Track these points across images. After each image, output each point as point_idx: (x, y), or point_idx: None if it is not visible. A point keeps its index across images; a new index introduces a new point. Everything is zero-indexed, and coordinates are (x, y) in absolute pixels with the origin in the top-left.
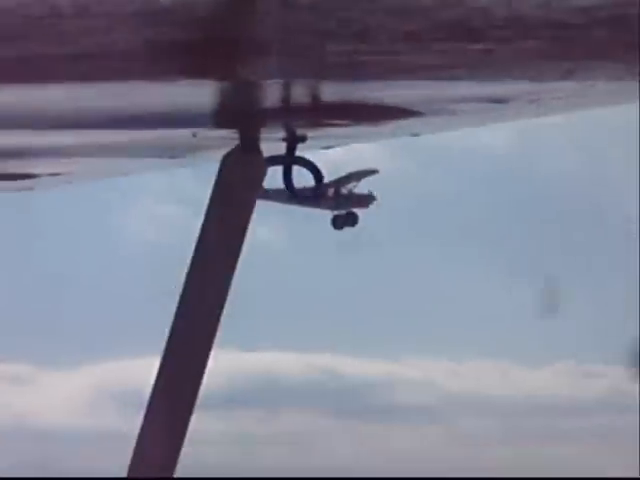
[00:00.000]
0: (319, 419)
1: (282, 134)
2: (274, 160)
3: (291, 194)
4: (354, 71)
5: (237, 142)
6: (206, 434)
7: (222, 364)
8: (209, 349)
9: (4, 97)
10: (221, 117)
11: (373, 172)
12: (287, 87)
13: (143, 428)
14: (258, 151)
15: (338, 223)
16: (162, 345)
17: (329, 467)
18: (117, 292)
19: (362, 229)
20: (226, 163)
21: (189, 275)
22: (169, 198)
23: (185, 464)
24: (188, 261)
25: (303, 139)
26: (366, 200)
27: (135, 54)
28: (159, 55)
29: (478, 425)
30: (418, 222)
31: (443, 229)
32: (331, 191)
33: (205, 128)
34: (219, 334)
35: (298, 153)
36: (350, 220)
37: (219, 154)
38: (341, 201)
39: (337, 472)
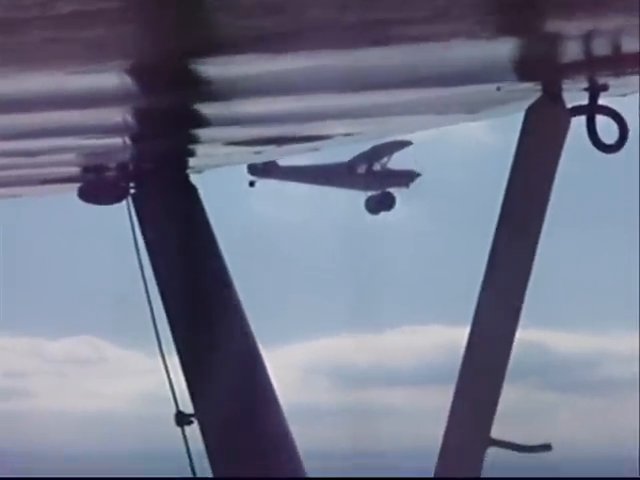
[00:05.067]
0: (542, 394)
1: (584, 84)
2: (577, 110)
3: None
4: None
5: (539, 94)
6: None
7: (437, 340)
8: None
9: (313, 61)
10: (525, 71)
11: (406, 144)
12: (589, 38)
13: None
14: (562, 102)
15: (372, 205)
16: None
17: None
18: None
19: None
20: (530, 115)
21: (498, 228)
22: None
23: None
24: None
25: (605, 88)
26: (405, 177)
27: (443, 16)
28: (464, 14)
29: None
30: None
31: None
32: (362, 167)
33: (508, 82)
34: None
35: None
36: (385, 202)
37: (519, 107)
38: (374, 179)
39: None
